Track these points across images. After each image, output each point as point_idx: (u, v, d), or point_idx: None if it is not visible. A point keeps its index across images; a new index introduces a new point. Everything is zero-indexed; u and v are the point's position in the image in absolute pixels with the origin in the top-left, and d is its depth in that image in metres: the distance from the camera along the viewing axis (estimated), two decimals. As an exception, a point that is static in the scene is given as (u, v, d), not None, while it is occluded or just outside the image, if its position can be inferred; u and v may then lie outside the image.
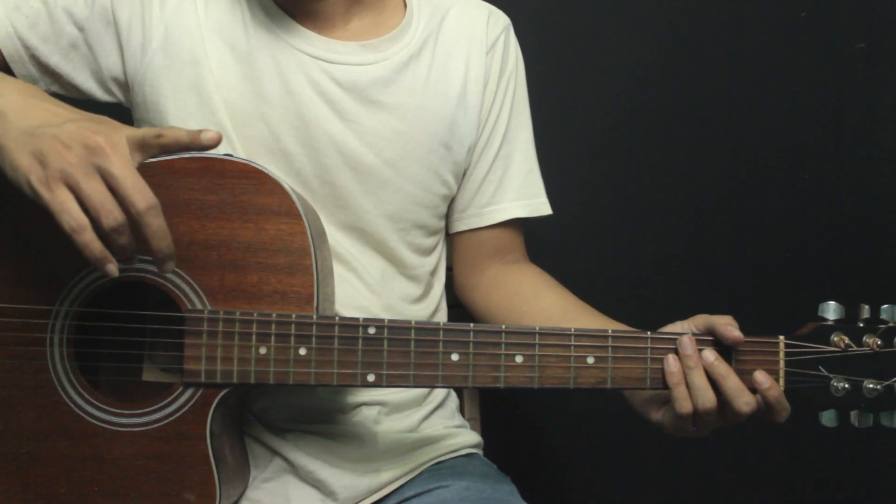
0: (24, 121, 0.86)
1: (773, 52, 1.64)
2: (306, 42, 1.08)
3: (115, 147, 0.83)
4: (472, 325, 0.94)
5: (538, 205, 1.21)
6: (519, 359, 0.93)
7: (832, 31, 1.64)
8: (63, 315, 0.94)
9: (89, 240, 0.82)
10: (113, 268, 0.84)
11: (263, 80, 1.07)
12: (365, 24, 1.12)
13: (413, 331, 0.93)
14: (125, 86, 1.09)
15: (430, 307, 1.19)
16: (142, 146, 0.86)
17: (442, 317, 1.21)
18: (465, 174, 1.18)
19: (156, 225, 0.84)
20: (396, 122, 1.10)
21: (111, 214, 0.82)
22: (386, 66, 1.10)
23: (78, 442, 0.93)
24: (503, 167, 1.19)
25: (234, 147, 1.06)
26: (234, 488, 1.00)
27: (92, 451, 0.93)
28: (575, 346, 0.94)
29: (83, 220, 0.82)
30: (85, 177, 0.82)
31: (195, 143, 0.89)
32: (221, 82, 1.06)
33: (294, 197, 0.95)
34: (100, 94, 1.10)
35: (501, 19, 1.20)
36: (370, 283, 1.10)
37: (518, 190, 1.20)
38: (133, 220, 0.83)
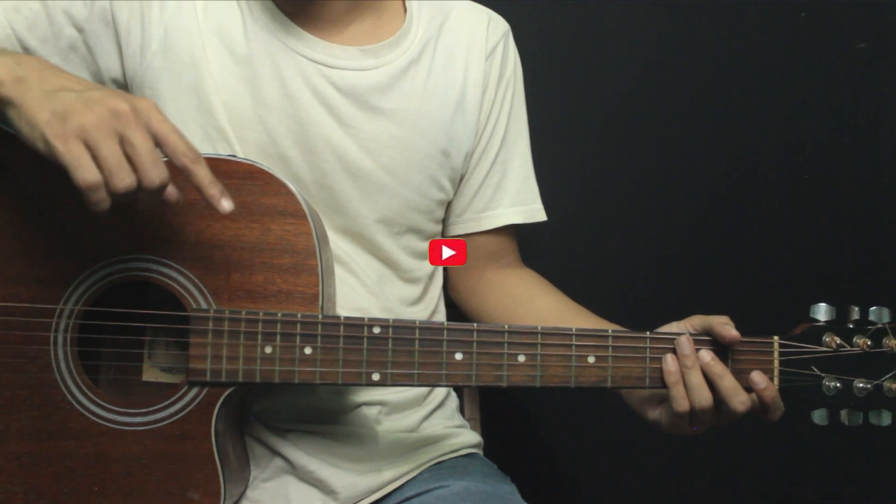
0: (46, 84, 0.84)
1: (773, 52, 1.64)
2: (306, 46, 1.08)
3: (139, 115, 0.82)
4: (475, 324, 0.95)
5: (534, 211, 1.22)
6: (521, 358, 0.94)
7: (832, 31, 1.64)
8: (67, 314, 0.94)
9: (102, 198, 0.81)
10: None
11: (262, 84, 1.06)
12: (364, 29, 1.12)
13: (417, 330, 0.94)
14: (124, 87, 1.08)
15: (429, 309, 1.19)
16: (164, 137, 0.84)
17: (440, 318, 1.22)
18: (462, 179, 1.18)
19: (156, 201, 0.84)
20: (395, 128, 1.10)
21: (124, 181, 0.80)
22: (385, 72, 1.10)
23: (82, 441, 0.93)
24: (500, 173, 1.19)
25: (234, 150, 1.05)
26: (236, 487, 1.00)
27: (96, 450, 0.93)
28: (576, 345, 0.95)
29: (99, 177, 0.80)
30: (104, 137, 0.80)
31: (209, 196, 0.86)
32: (221, 85, 1.05)
33: (300, 198, 0.95)
34: None
35: (501, 25, 1.20)
36: (369, 285, 1.11)
37: (515, 196, 1.20)
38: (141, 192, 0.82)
